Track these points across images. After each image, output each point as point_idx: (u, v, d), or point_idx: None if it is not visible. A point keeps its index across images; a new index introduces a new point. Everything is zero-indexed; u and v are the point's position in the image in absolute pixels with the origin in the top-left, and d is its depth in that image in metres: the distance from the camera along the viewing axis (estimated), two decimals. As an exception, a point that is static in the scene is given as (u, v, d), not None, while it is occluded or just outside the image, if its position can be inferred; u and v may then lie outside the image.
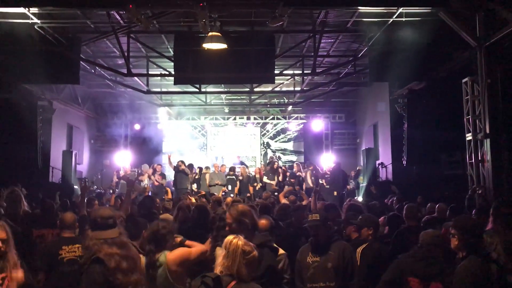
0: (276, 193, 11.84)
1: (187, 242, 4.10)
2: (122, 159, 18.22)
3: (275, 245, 4.02)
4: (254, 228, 3.81)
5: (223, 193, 13.94)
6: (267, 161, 16.12)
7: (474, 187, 9.34)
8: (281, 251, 4.03)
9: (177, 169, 14.62)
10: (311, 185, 13.84)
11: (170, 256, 3.72)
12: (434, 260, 3.79)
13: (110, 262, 3.03)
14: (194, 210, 5.89)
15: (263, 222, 4.53)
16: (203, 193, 8.61)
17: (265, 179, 14.67)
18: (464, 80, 10.49)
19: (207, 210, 5.88)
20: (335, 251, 4.19)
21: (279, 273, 3.84)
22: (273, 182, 14.45)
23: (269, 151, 20.88)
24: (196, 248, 4.03)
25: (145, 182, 14.29)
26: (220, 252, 3.21)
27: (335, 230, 5.16)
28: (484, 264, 3.48)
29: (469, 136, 10.36)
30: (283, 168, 15.95)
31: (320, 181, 14.45)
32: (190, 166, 15.25)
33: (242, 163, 18.41)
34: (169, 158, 15.90)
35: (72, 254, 4.47)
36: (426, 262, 3.74)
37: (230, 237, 3.16)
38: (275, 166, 15.11)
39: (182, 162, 14.88)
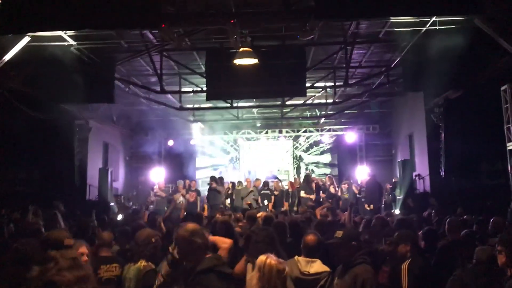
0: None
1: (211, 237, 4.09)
2: (157, 176, 18.47)
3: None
4: (206, 248, 3.49)
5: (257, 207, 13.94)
6: (305, 175, 15.95)
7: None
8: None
9: (209, 187, 14.70)
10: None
11: None
12: (495, 277, 3.67)
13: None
14: (219, 225, 5.89)
15: (310, 238, 4.33)
16: (239, 215, 8.59)
17: (302, 193, 14.55)
18: (503, 88, 10.21)
19: (230, 225, 5.90)
20: (350, 276, 3.78)
21: None
22: (312, 197, 14.30)
23: (302, 164, 20.74)
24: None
25: (180, 199, 14.41)
26: (252, 273, 3.13)
27: (369, 251, 4.73)
28: None
29: (510, 146, 10.02)
30: (320, 182, 15.76)
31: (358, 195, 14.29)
32: (221, 179, 15.26)
33: (275, 177, 18.35)
34: (158, 186, 15.77)
35: (109, 273, 4.50)
36: (488, 279, 3.63)
37: (263, 258, 3.10)
38: (312, 180, 14.97)
39: (214, 179, 14.91)
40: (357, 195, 14.54)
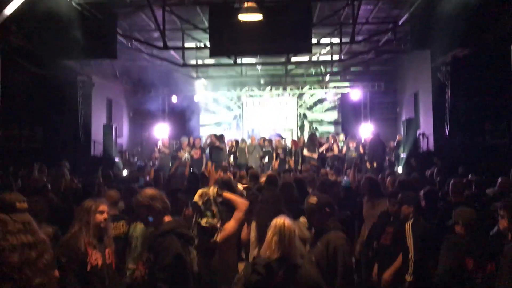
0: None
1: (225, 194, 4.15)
2: (161, 132, 18.53)
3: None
4: (166, 211, 3.52)
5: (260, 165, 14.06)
6: (310, 134, 15.93)
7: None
8: None
9: (211, 145, 14.72)
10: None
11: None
12: (490, 240, 3.74)
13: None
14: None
15: (313, 199, 4.35)
16: (243, 173, 8.64)
17: (305, 151, 14.59)
18: (512, 46, 10.01)
19: (232, 184, 5.94)
20: (322, 243, 3.72)
21: (188, 262, 3.51)
22: (315, 155, 14.36)
23: (305, 122, 20.70)
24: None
25: (185, 156, 14.50)
26: (268, 236, 3.10)
27: (343, 218, 4.67)
28: None
29: (516, 105, 9.95)
30: (323, 140, 15.75)
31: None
32: (221, 136, 15.25)
33: (279, 135, 18.38)
34: (162, 142, 15.86)
35: (117, 231, 4.58)
36: (484, 242, 3.70)
37: (280, 221, 3.08)
38: (316, 138, 14.97)
39: (215, 136, 14.89)
40: (361, 154, 14.58)
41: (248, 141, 15.62)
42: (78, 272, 3.21)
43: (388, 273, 4.70)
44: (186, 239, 3.46)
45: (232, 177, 6.67)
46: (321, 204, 3.93)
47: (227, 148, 15.45)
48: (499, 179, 6.58)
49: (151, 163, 15.72)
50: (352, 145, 14.81)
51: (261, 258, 3.06)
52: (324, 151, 14.75)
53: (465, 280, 3.84)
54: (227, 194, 4.12)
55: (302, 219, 4.43)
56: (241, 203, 4.07)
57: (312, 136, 15.24)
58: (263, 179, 7.37)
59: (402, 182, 6.14)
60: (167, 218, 3.48)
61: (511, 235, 3.49)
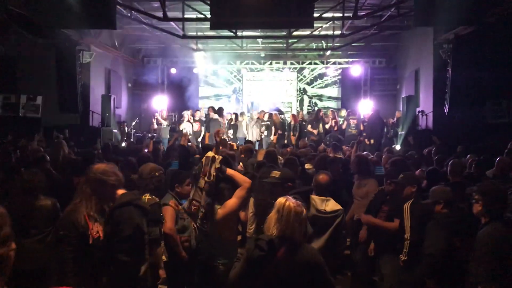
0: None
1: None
2: (160, 103, 18.46)
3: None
4: (120, 185, 3.51)
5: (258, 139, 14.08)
6: (317, 110, 15.93)
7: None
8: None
9: (208, 117, 14.69)
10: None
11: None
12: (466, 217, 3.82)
13: None
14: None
15: (322, 177, 4.43)
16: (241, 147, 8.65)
17: (309, 127, 14.61)
18: (516, 25, 9.89)
19: (229, 161, 5.96)
20: None
21: (146, 233, 3.53)
22: (315, 131, 14.39)
23: (305, 97, 20.62)
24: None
25: (183, 126, 14.50)
26: (271, 214, 3.15)
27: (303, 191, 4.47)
28: (507, 230, 3.43)
29: (518, 85, 9.89)
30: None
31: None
32: (220, 110, 15.18)
33: (278, 109, 18.33)
34: (161, 114, 15.83)
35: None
36: (469, 221, 3.76)
37: (282, 200, 3.13)
38: (321, 114, 14.94)
39: (213, 109, 14.83)
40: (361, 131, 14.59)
41: (248, 115, 15.57)
42: (78, 245, 3.21)
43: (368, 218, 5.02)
44: (143, 211, 3.50)
45: (234, 153, 6.64)
46: (284, 178, 3.99)
47: (226, 121, 15.44)
48: (497, 159, 6.55)
49: (149, 135, 15.71)
50: (353, 122, 14.80)
51: (264, 234, 3.10)
52: (330, 128, 14.76)
53: (453, 259, 3.92)
54: (230, 171, 4.12)
55: (315, 197, 4.48)
56: (244, 181, 4.07)
57: (317, 113, 15.21)
58: (261, 154, 7.41)
59: (393, 161, 6.07)
60: (120, 191, 3.49)
61: (484, 219, 3.53)
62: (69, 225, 3.25)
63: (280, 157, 7.21)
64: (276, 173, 4.05)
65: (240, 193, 4.02)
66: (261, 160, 6.33)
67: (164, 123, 15.33)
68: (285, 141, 14.45)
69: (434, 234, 3.99)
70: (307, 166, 6.75)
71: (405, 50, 17.65)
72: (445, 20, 10.85)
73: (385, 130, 14.80)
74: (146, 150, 10.25)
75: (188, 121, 14.75)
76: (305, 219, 3.13)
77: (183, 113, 15.74)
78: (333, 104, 20.20)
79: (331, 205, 4.28)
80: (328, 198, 4.32)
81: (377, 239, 4.98)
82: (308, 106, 20.40)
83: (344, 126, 15.18)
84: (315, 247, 3.79)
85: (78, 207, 3.34)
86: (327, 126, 14.73)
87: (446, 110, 13.31)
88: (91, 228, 3.29)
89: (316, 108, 19.12)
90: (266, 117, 15.35)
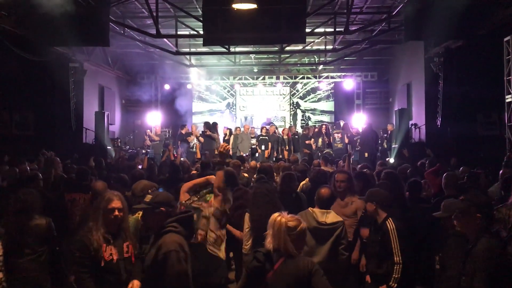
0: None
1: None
2: (153, 119, 18.46)
3: None
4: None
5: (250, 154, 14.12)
6: (307, 124, 15.99)
7: (509, 154, 9.05)
8: None
9: (202, 133, 14.69)
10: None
11: None
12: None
13: None
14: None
15: (324, 191, 4.57)
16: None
17: (312, 141, 14.69)
18: (506, 39, 10.06)
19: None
20: (155, 247, 3.33)
21: None
22: (314, 146, 14.47)
23: (298, 111, 20.70)
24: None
25: (194, 141, 14.49)
26: (268, 232, 3.27)
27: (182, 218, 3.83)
28: (502, 245, 3.45)
29: (508, 98, 10.02)
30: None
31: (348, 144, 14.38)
32: (214, 124, 15.18)
33: (271, 122, 18.37)
34: (155, 130, 15.86)
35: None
36: None
37: (274, 215, 3.23)
38: (324, 128, 14.92)
39: (207, 125, 14.77)
40: (347, 144, 14.63)
41: (242, 130, 15.61)
42: (92, 267, 3.31)
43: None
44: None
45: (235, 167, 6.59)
46: (156, 202, 3.51)
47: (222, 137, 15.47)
48: (501, 172, 6.51)
49: (143, 151, 15.68)
50: (338, 136, 14.83)
51: (263, 248, 3.22)
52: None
53: None
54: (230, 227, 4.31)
55: (316, 209, 4.57)
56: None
57: (320, 127, 15.28)
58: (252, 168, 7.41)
59: (386, 174, 5.97)
60: None
61: (476, 235, 3.46)
62: (83, 248, 3.36)
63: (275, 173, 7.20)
64: (148, 197, 3.63)
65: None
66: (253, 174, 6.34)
67: (157, 139, 15.28)
68: (280, 156, 14.47)
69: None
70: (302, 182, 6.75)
71: (397, 63, 17.82)
72: (435, 34, 11.00)
73: (378, 142, 14.85)
74: (140, 167, 10.24)
75: (196, 136, 14.71)
76: (300, 233, 3.18)
77: (190, 128, 15.55)
78: (326, 118, 20.27)
79: (331, 217, 4.45)
80: (329, 210, 4.50)
81: (368, 255, 4.85)
82: (302, 120, 20.46)
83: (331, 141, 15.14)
84: (317, 258, 4.00)
85: (90, 230, 3.45)
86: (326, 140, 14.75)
87: (438, 123, 13.42)
88: (104, 251, 3.34)
89: (310, 123, 19.24)
90: (263, 132, 15.31)
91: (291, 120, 20.41)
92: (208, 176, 4.37)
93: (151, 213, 3.47)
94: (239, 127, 15.88)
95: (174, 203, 3.66)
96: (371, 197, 4.51)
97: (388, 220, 4.33)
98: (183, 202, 4.29)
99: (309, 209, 4.59)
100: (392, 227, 4.27)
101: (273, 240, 3.14)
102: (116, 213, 3.60)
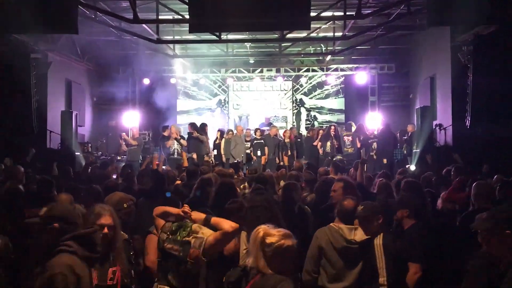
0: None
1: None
2: (131, 120, 18.43)
3: None
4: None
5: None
6: (312, 125, 16.05)
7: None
8: None
9: (189, 135, 14.66)
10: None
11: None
12: None
13: None
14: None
15: (348, 202, 4.58)
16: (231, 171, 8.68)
17: (318, 144, 14.72)
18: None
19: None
20: (46, 268, 3.17)
21: None
22: (321, 150, 14.50)
23: (302, 109, 20.73)
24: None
25: (174, 146, 14.47)
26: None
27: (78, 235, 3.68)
28: None
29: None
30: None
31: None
32: (203, 126, 15.14)
33: (270, 124, 18.39)
34: (132, 133, 15.91)
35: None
36: None
37: (256, 229, 3.30)
38: (332, 130, 14.95)
39: (193, 126, 14.71)
40: (359, 149, 14.67)
41: (235, 132, 15.61)
42: None
43: None
44: None
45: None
46: (49, 216, 3.44)
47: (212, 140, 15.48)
48: None
49: (118, 158, 15.65)
50: (348, 139, 14.85)
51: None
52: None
53: None
54: (215, 219, 4.07)
55: (342, 225, 4.59)
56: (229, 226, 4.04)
57: (328, 129, 15.38)
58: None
59: (406, 183, 6.05)
60: None
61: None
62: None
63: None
64: (42, 210, 3.53)
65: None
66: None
67: (134, 143, 15.18)
68: (281, 162, 14.47)
69: None
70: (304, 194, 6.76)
71: (418, 53, 17.87)
72: (463, 18, 10.98)
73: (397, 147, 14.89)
74: (114, 176, 10.20)
75: (176, 139, 14.65)
76: (277, 250, 3.17)
77: (171, 128, 15.49)
78: (335, 118, 20.30)
79: (360, 234, 4.42)
80: (355, 226, 4.46)
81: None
82: (306, 120, 20.48)
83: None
84: (344, 284, 4.25)
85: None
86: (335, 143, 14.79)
87: (467, 123, 13.42)
88: None
89: (316, 123, 19.26)
90: (257, 135, 15.34)
91: (294, 121, 20.44)
92: (183, 208, 4.14)
93: (42, 229, 3.36)
94: (231, 130, 15.88)
95: (73, 219, 3.46)
96: (404, 204, 4.78)
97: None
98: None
99: (332, 224, 4.57)
100: (378, 243, 4.42)
101: (250, 254, 3.27)
102: (106, 230, 3.57)
